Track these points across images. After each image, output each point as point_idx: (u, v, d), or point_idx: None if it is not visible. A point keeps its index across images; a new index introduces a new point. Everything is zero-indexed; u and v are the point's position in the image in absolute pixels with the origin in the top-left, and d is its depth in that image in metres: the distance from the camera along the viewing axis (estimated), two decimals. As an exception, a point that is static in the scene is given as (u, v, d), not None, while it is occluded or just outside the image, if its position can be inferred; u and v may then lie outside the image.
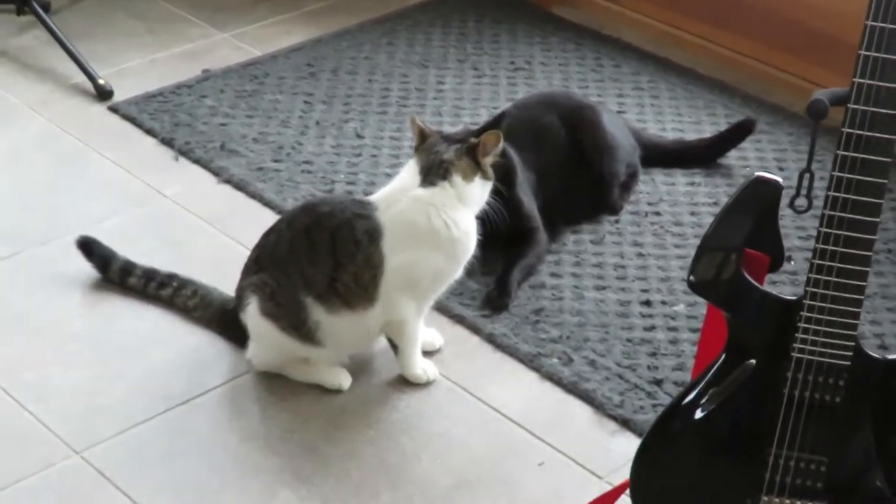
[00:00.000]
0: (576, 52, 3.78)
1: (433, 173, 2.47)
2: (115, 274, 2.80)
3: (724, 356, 1.95)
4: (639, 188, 3.18)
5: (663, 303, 2.82)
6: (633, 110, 3.51)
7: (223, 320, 2.67)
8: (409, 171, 2.52)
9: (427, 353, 2.66)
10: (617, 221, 3.07)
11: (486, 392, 2.60)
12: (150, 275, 2.79)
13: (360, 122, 3.43)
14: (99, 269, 2.81)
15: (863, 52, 1.78)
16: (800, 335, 1.89)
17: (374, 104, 3.51)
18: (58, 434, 2.47)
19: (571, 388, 2.60)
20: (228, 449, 2.46)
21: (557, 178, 3.03)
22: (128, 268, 2.80)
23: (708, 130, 3.43)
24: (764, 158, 3.32)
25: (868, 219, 1.83)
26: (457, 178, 2.47)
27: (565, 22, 3.95)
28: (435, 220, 2.45)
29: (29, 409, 2.52)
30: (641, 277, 2.90)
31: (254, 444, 2.47)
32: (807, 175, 1.85)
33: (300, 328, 2.50)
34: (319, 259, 2.46)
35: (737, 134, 3.30)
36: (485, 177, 2.51)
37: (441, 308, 2.76)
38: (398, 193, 2.49)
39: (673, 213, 3.10)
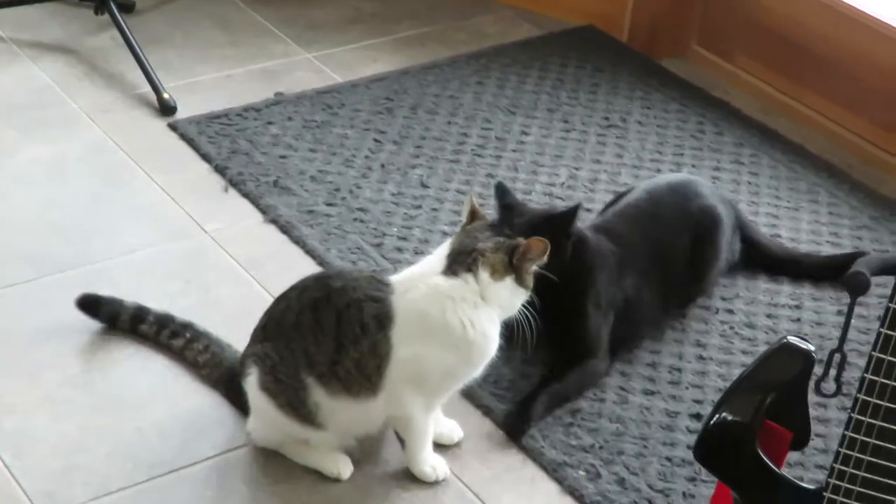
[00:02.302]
0: (678, 114, 3.49)
1: (458, 261, 2.22)
2: (125, 323, 2.61)
3: (729, 540, 1.68)
4: (715, 279, 2.88)
5: (715, 419, 2.53)
6: (727, 187, 3.21)
7: (231, 384, 2.46)
8: (439, 254, 2.27)
9: (444, 447, 2.42)
10: (683, 315, 2.79)
11: (499, 501, 2.35)
12: (163, 322, 2.60)
13: (427, 168, 3.19)
14: (107, 323, 2.62)
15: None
16: (817, 530, 1.61)
17: (448, 150, 3.27)
18: (26, 491, 2.28)
19: (593, 509, 2.34)
20: (205, 533, 2.26)
21: (654, 286, 2.71)
22: (139, 314, 2.60)
23: (805, 219, 3.12)
24: (862, 259, 3.00)
25: (911, 409, 1.54)
26: (483, 274, 2.20)
27: (672, 77, 3.66)
28: (450, 316, 2.19)
29: (2, 459, 2.34)
30: (697, 385, 2.61)
31: (233, 530, 2.26)
32: (837, 355, 1.56)
33: (299, 408, 2.28)
34: (323, 338, 2.23)
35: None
36: (519, 282, 2.23)
37: (468, 394, 2.52)
38: (418, 278, 2.24)
39: (747, 313, 2.81)
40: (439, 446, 2.41)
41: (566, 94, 3.55)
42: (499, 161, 3.24)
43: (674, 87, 3.61)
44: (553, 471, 2.40)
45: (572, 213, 2.53)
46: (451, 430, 2.44)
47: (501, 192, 2.60)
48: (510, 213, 2.56)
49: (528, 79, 3.60)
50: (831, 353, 1.57)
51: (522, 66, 3.65)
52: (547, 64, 3.67)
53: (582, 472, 2.40)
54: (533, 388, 2.54)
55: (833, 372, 1.56)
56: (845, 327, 1.56)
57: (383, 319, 2.20)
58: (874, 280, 2.36)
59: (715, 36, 3.70)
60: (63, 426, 2.42)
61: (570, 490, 2.37)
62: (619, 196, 2.90)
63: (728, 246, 2.83)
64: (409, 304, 2.21)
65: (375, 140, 3.28)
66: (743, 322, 2.78)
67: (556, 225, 2.51)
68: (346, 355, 2.22)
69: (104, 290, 2.71)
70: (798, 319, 2.80)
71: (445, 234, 2.94)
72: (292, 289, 2.33)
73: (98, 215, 2.96)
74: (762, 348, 2.71)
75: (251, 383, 2.32)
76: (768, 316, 2.81)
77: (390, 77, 3.55)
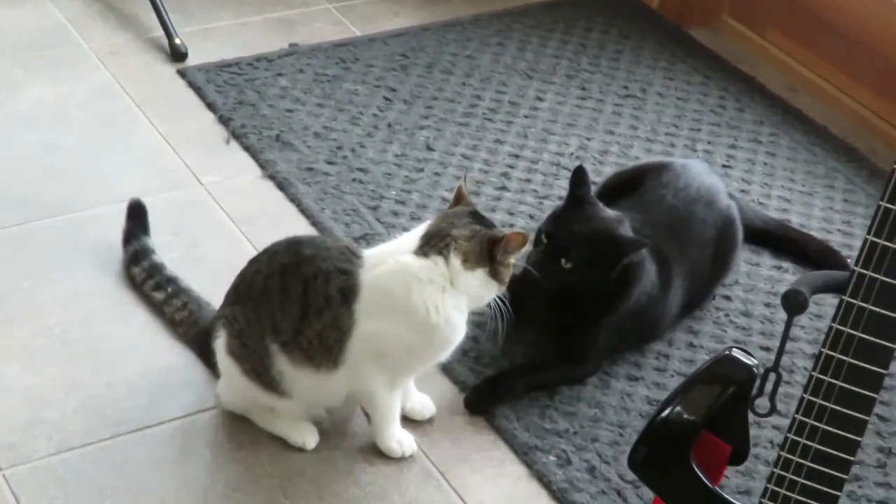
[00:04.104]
0: (700, 87, 3.40)
1: (430, 244, 2.16)
2: (128, 253, 2.59)
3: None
4: (715, 264, 2.80)
5: (697, 410, 2.46)
6: (740, 166, 3.12)
7: (204, 344, 2.41)
8: (415, 233, 2.21)
9: (415, 422, 2.37)
10: (682, 301, 2.71)
11: (463, 482, 2.30)
12: (152, 271, 2.57)
13: (435, 131, 3.12)
14: (125, 237, 2.61)
15: (870, 238, 1.41)
16: (749, 550, 1.55)
17: (458, 113, 3.20)
18: (-10, 443, 2.27)
19: (559, 497, 2.28)
20: (162, 496, 2.22)
21: (683, 296, 2.61)
22: (141, 253, 2.58)
23: (819, 205, 3.03)
24: (872, 250, 2.90)
25: (850, 436, 1.47)
26: (455, 260, 2.14)
27: (699, 48, 3.56)
28: (415, 296, 2.13)
29: (-30, 409, 2.33)
30: (683, 374, 2.54)
31: (191, 494, 2.23)
32: (772, 375, 1.49)
33: (263, 375, 2.24)
34: (289, 306, 2.18)
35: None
36: (493, 275, 2.16)
37: (446, 369, 2.47)
38: (388, 254, 2.19)
39: (745, 301, 2.73)
40: (410, 422, 2.37)
41: (587, 59, 3.46)
42: (509, 127, 3.17)
43: (699, 58, 3.52)
44: (523, 454, 2.35)
45: (636, 245, 2.42)
46: (424, 405, 2.39)
47: (578, 179, 2.44)
48: (577, 208, 2.43)
49: (550, 42, 3.52)
50: (766, 372, 1.50)
51: (546, 29, 3.57)
52: (571, 27, 3.59)
53: (552, 458, 2.34)
54: (511, 368, 2.49)
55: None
56: (781, 346, 1.49)
57: (348, 293, 2.16)
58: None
59: (746, 7, 3.60)
60: (34, 378, 2.40)
61: (539, 475, 2.31)
62: (626, 177, 2.79)
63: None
64: (375, 280, 2.16)
65: (385, 98, 3.22)
66: (739, 310, 2.71)
67: (614, 249, 2.40)
68: (309, 326, 2.17)
69: (91, 239, 2.70)
70: (797, 310, 2.71)
71: (445, 200, 2.88)
72: (264, 252, 2.29)
73: (95, 161, 2.93)
74: (756, 339, 2.65)
75: (220, 346, 2.29)
76: (766, 305, 2.73)
77: (409, 33, 3.49)
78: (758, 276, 2.80)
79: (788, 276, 2.81)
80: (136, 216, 2.64)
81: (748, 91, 3.40)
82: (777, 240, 2.87)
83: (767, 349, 2.62)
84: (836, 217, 3.00)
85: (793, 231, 2.91)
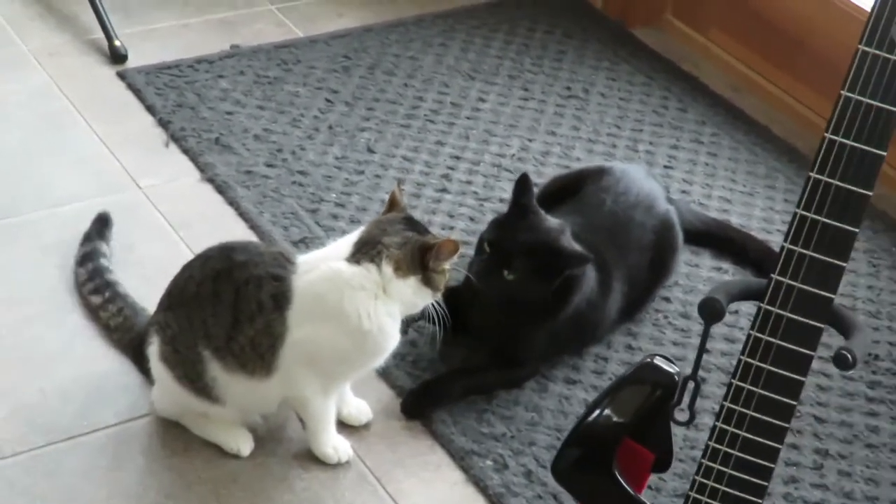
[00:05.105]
0: (643, 87, 3.40)
1: (362, 251, 2.15)
2: (80, 253, 2.59)
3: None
4: (654, 265, 2.80)
5: (634, 413, 2.46)
6: (681, 167, 3.12)
7: (138, 350, 2.39)
8: (348, 239, 2.20)
9: (351, 428, 2.36)
10: (621, 304, 2.71)
11: (399, 487, 2.29)
12: (94, 274, 2.55)
13: (376, 133, 3.11)
14: (83, 238, 2.62)
15: (787, 246, 1.41)
16: (671, 558, 1.55)
17: (400, 114, 3.18)
18: (-81, 454, 2.25)
19: (496, 501, 2.26)
20: (93, 505, 2.21)
21: (622, 301, 2.60)
22: (90, 255, 2.57)
23: (759, 205, 3.03)
24: (811, 251, 2.91)
25: (770, 443, 1.47)
26: (386, 268, 2.13)
27: (643, 48, 3.56)
28: (347, 303, 2.12)
29: None
30: (621, 376, 2.54)
31: (123, 502, 2.20)
32: (691, 383, 1.49)
33: (196, 381, 2.22)
34: (221, 311, 2.17)
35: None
36: (426, 282, 2.16)
37: (383, 373, 2.46)
38: (321, 260, 2.17)
39: (684, 303, 2.73)
40: (347, 427, 2.36)
41: (530, 60, 3.46)
42: (451, 128, 3.16)
43: (642, 58, 3.52)
44: (460, 458, 2.34)
45: (581, 260, 2.39)
46: (360, 410, 2.38)
47: (522, 187, 2.42)
48: (520, 217, 2.41)
49: (493, 42, 3.51)
50: (685, 381, 1.50)
51: (489, 29, 3.56)
52: (515, 27, 3.58)
53: (489, 462, 2.34)
54: (448, 372, 2.48)
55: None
56: (699, 354, 1.49)
57: (280, 299, 2.14)
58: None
59: (689, 6, 3.60)
60: (-35, 384, 2.38)
61: (475, 480, 2.30)
62: (566, 181, 2.77)
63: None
64: (307, 286, 2.15)
65: (327, 100, 3.20)
66: (678, 312, 2.70)
67: (558, 261, 2.39)
68: (241, 332, 2.16)
69: (26, 244, 2.67)
70: (736, 312, 2.72)
71: (385, 203, 2.86)
72: (197, 257, 2.28)
73: (32, 164, 2.91)
74: (694, 341, 2.65)
75: (153, 352, 2.27)
76: (706, 306, 2.72)
77: (352, 34, 3.47)
78: (697, 278, 2.80)
79: (728, 277, 2.81)
80: (102, 221, 2.65)
81: (691, 91, 3.41)
82: (717, 241, 2.88)
83: (708, 351, 2.62)
84: (776, 217, 3.00)
85: (733, 231, 2.91)
